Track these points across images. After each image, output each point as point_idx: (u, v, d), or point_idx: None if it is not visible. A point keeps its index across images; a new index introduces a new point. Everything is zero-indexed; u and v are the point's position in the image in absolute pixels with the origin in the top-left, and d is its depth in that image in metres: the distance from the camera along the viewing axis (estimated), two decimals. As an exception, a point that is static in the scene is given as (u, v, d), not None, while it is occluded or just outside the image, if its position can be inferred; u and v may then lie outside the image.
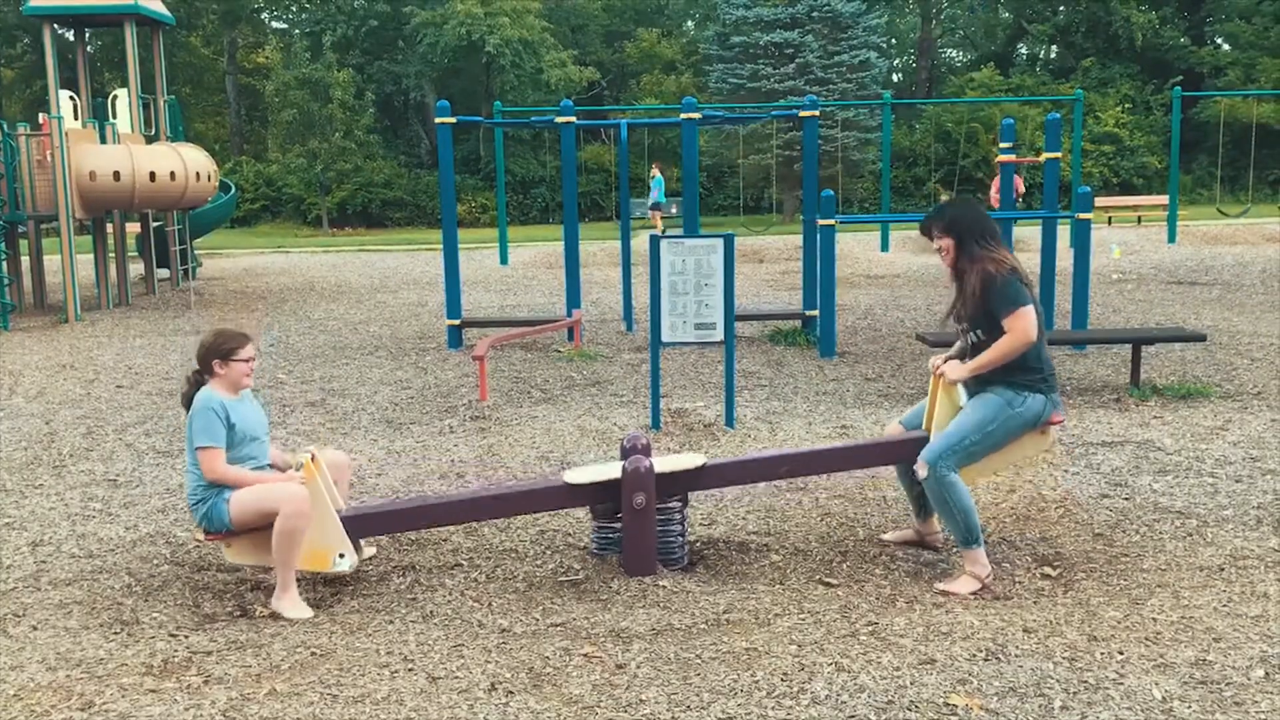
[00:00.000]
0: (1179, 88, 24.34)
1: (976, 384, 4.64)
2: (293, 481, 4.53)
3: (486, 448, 6.98)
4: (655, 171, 28.41)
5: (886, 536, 5.11)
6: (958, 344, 4.88)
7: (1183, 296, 13.90)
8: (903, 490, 5.21)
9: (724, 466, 4.99)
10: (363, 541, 5.01)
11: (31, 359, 11.01)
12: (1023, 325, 4.51)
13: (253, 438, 4.63)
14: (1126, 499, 5.63)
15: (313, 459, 4.62)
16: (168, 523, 5.58)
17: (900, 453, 4.89)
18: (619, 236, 13.90)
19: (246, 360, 4.64)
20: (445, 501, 4.95)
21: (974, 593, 4.46)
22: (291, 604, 4.42)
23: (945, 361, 4.78)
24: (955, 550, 4.75)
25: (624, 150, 13.06)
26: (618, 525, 4.79)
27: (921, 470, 4.54)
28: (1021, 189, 22.42)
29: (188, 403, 4.64)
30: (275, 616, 4.36)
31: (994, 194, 22.64)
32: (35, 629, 4.26)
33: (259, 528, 4.50)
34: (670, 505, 4.79)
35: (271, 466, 4.77)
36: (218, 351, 4.62)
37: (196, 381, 4.68)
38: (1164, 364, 9.23)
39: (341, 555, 4.59)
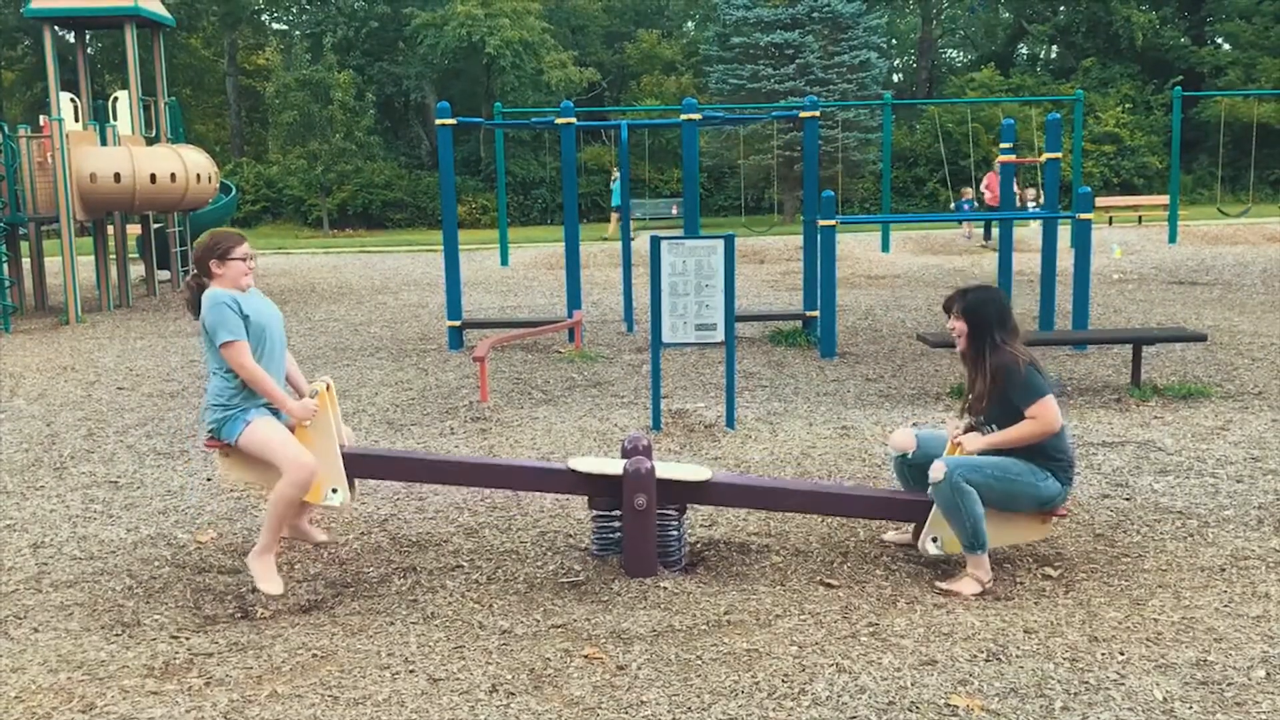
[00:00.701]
0: (1179, 88, 24.34)
1: (999, 455, 4.63)
2: (306, 410, 4.61)
3: (487, 449, 6.98)
4: (616, 174, 28.55)
5: (887, 537, 5.11)
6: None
7: (1183, 296, 13.90)
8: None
9: (729, 487, 4.93)
10: (317, 530, 5.08)
11: (32, 361, 11.01)
12: (1048, 415, 4.54)
13: (269, 330, 4.69)
14: (1127, 499, 5.63)
15: (327, 388, 4.68)
16: (169, 524, 5.58)
17: (906, 513, 4.86)
18: (619, 237, 13.90)
19: (243, 259, 4.67)
20: (447, 461, 4.98)
21: (975, 595, 4.46)
22: (265, 569, 4.50)
23: (965, 433, 4.77)
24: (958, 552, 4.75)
25: (624, 151, 13.06)
26: (617, 522, 4.80)
27: (938, 473, 4.51)
28: (1029, 195, 22.44)
29: (196, 308, 4.68)
30: (282, 600, 4.38)
31: (985, 191, 22.66)
32: (36, 631, 4.26)
33: (254, 459, 4.56)
34: (669, 507, 4.79)
35: (286, 380, 4.81)
36: (214, 251, 4.66)
37: (198, 285, 4.71)
38: (1165, 364, 9.23)
39: (335, 490, 4.65)
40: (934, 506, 4.64)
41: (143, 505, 5.94)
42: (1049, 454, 4.61)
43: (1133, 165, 37.69)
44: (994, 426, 4.67)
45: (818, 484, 4.93)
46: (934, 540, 4.64)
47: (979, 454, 4.62)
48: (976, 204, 24.02)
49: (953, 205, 27.64)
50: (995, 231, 21.85)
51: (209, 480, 6.39)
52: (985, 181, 22.92)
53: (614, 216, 27.80)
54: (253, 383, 4.56)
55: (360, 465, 4.85)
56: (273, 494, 4.50)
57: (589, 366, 9.86)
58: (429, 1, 39.22)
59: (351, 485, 4.80)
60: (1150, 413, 7.57)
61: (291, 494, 4.49)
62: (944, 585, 4.52)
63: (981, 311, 4.68)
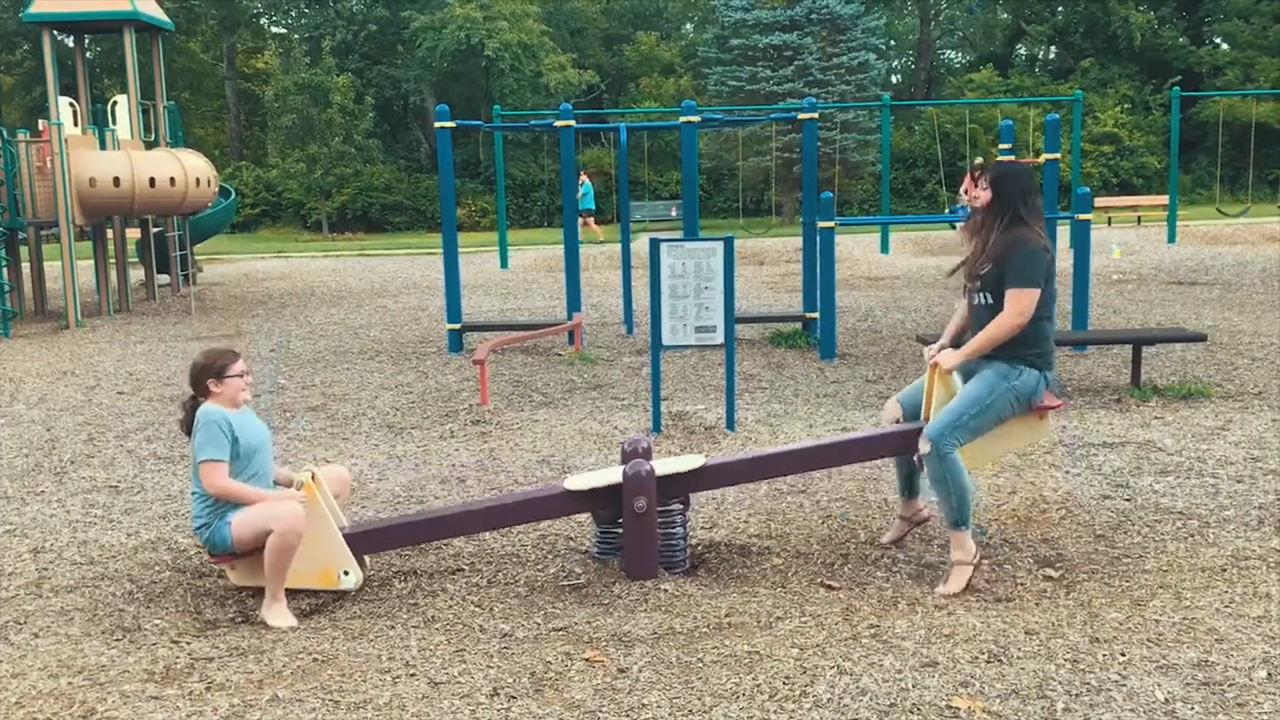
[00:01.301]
0: (1178, 88, 24.37)
1: (974, 362, 4.65)
2: (291, 500, 4.54)
3: (487, 452, 6.98)
4: (584, 178, 28.79)
5: (885, 539, 5.11)
6: (950, 327, 4.90)
7: (1183, 296, 13.90)
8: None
9: (724, 466, 4.97)
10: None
11: (32, 365, 11.01)
12: (1023, 304, 4.51)
13: (256, 450, 4.64)
14: (1128, 500, 5.63)
15: (313, 478, 4.64)
16: (169, 529, 5.58)
17: (901, 444, 4.87)
18: (619, 239, 13.91)
19: (240, 375, 4.65)
20: (446, 515, 4.94)
21: (969, 582, 4.47)
22: (279, 614, 4.44)
23: (939, 350, 4.78)
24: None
25: (623, 153, 13.06)
26: (619, 530, 4.79)
27: (924, 445, 4.54)
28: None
29: (188, 427, 4.64)
30: (264, 625, 4.37)
31: (964, 193, 22.63)
32: (37, 636, 4.25)
33: (261, 549, 4.52)
34: (671, 509, 4.79)
35: (276, 484, 4.78)
36: (210, 371, 4.63)
37: (194, 405, 4.68)
38: (1164, 364, 9.23)
39: (346, 572, 4.62)
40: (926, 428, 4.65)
41: (143, 510, 5.94)
42: (1025, 340, 4.56)
43: (1132, 165, 37.72)
44: (987, 295, 4.63)
45: (812, 442, 4.96)
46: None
47: (954, 368, 4.64)
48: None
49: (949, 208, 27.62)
50: None
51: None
52: (964, 184, 22.91)
53: (582, 220, 27.97)
54: (227, 498, 4.51)
55: (364, 542, 4.80)
56: (267, 547, 4.43)
57: (589, 369, 9.86)
58: (428, 4, 39.26)
59: (361, 563, 4.76)
60: (1150, 413, 7.57)
61: (284, 543, 4.43)
62: (941, 590, 4.50)
63: (1009, 184, 4.64)
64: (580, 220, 28.04)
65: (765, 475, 5.18)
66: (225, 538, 4.52)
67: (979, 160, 22.56)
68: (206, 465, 4.48)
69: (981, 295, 4.67)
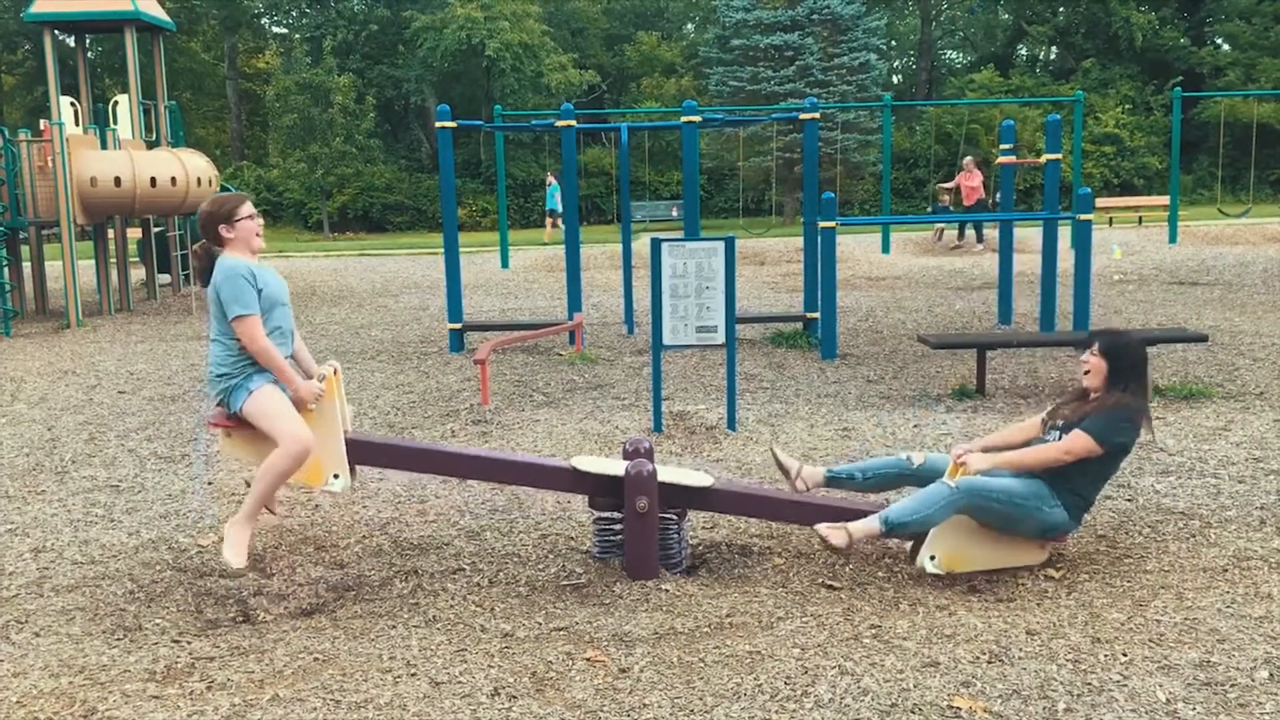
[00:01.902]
0: (1179, 88, 24.35)
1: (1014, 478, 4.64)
2: (311, 392, 4.59)
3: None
4: (550, 179, 28.98)
5: (799, 482, 5.02)
6: (993, 437, 4.93)
7: (1184, 297, 13.90)
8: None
9: (730, 495, 4.93)
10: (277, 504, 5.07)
11: (33, 365, 11.01)
12: (1078, 447, 4.54)
13: (280, 303, 4.64)
14: (1129, 500, 5.62)
15: (335, 373, 4.67)
16: (170, 528, 5.58)
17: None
18: (620, 239, 13.90)
19: (250, 218, 4.63)
20: (446, 452, 4.98)
21: (837, 545, 4.52)
22: (241, 538, 4.48)
23: (967, 452, 4.76)
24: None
25: (625, 153, 13.06)
26: (617, 524, 4.79)
27: (952, 483, 4.52)
28: (981, 194, 22.52)
29: (206, 276, 4.61)
30: (283, 604, 4.37)
31: (961, 186, 22.62)
32: (38, 635, 4.25)
33: (258, 433, 4.55)
34: (669, 512, 4.78)
35: (293, 358, 4.80)
36: (220, 215, 4.60)
37: (209, 253, 4.64)
38: (1166, 365, 9.22)
39: (336, 476, 4.64)
40: (932, 529, 4.64)
41: (144, 509, 5.94)
42: (1071, 487, 4.60)
43: (1133, 166, 37.71)
44: (1060, 435, 4.67)
45: (817, 498, 4.93)
46: (931, 558, 4.62)
47: (981, 473, 4.59)
48: (951, 205, 24.01)
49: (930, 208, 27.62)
50: (969, 231, 21.88)
51: (210, 484, 6.39)
52: (955, 181, 22.90)
53: (549, 221, 28.19)
54: (262, 359, 4.52)
55: (362, 452, 4.84)
56: (265, 463, 4.44)
57: (590, 369, 9.86)
58: (429, 4, 39.27)
59: (352, 471, 4.79)
60: (1152, 413, 7.55)
61: (285, 466, 4.44)
62: (824, 530, 4.56)
63: (1125, 357, 4.68)
64: (549, 221, 28.39)
65: (766, 516, 5.08)
66: (240, 400, 4.51)
67: (968, 159, 22.60)
68: (243, 321, 4.45)
69: (1055, 433, 4.71)
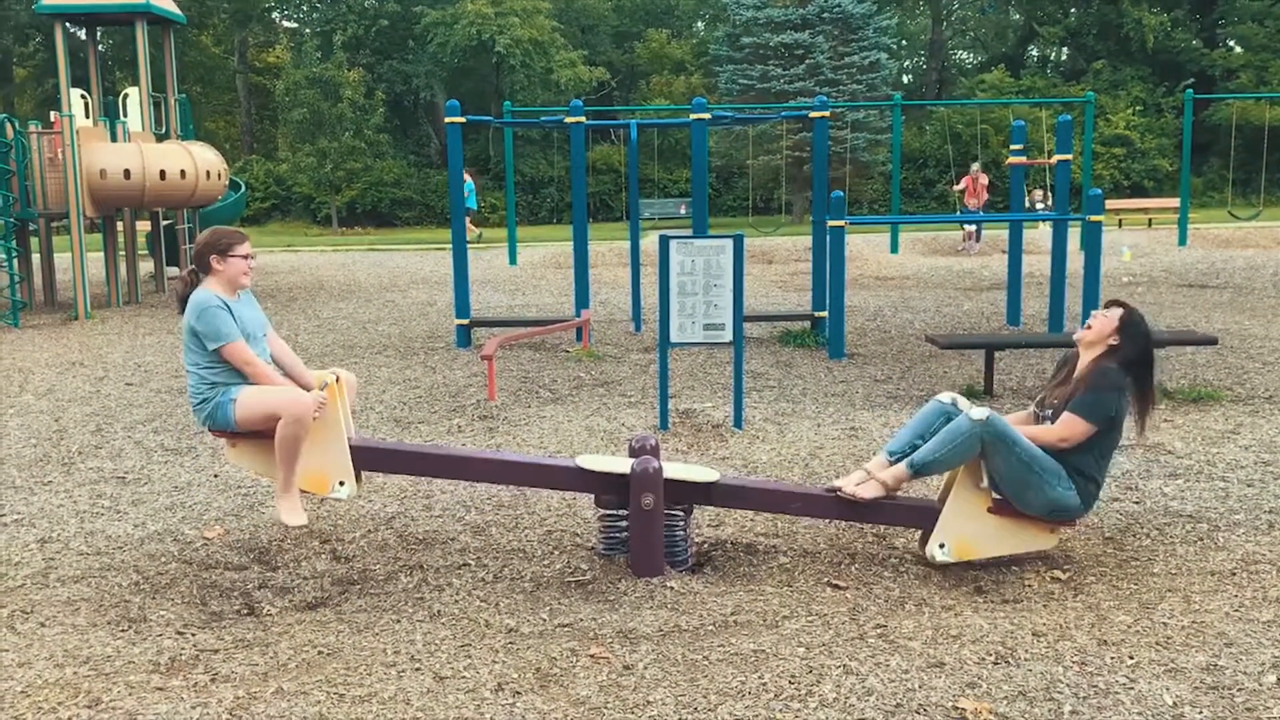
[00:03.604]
0: (1191, 90, 24.26)
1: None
2: (314, 403, 4.59)
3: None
4: (466, 177, 29.20)
5: (840, 482, 4.90)
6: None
7: (1194, 300, 13.85)
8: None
9: (735, 489, 4.92)
10: None
11: (41, 356, 11.03)
12: (1073, 434, 4.53)
13: (250, 337, 4.65)
14: (1137, 503, 5.60)
15: (337, 380, 4.67)
16: (176, 520, 5.58)
17: (912, 518, 4.84)
18: (628, 237, 13.89)
19: (244, 257, 4.65)
20: (452, 455, 4.98)
21: (870, 495, 4.60)
22: (290, 507, 4.50)
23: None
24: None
25: (634, 151, 13.04)
26: (623, 522, 4.79)
27: (979, 414, 4.51)
28: (985, 196, 22.46)
29: (183, 303, 4.64)
30: (289, 597, 4.37)
31: (962, 189, 22.58)
32: (43, 626, 4.26)
33: (263, 432, 4.54)
34: (675, 509, 4.77)
35: (277, 365, 4.82)
36: (215, 247, 4.63)
37: (193, 280, 4.67)
38: (1175, 367, 9.19)
39: (341, 483, 4.64)
40: (943, 513, 4.63)
41: (150, 501, 5.94)
42: (1079, 469, 4.58)
43: (1143, 168, 37.60)
44: (1049, 422, 4.66)
45: (823, 489, 4.91)
46: (941, 546, 4.62)
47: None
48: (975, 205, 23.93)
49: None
50: (968, 228, 21.85)
51: (216, 476, 6.39)
52: (962, 183, 22.84)
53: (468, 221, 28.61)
54: (257, 379, 4.55)
55: (367, 458, 4.84)
56: (276, 438, 4.49)
57: (596, 366, 9.85)
58: (439, 0, 39.27)
59: (358, 478, 4.79)
60: (1160, 416, 7.53)
61: (294, 431, 4.48)
62: (842, 484, 4.65)
63: (1138, 338, 4.67)
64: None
65: (772, 509, 5.07)
66: (229, 415, 4.53)
67: (976, 165, 22.56)
68: (230, 349, 4.50)
69: (1047, 422, 4.70)
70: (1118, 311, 4.73)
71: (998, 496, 4.63)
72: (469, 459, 4.99)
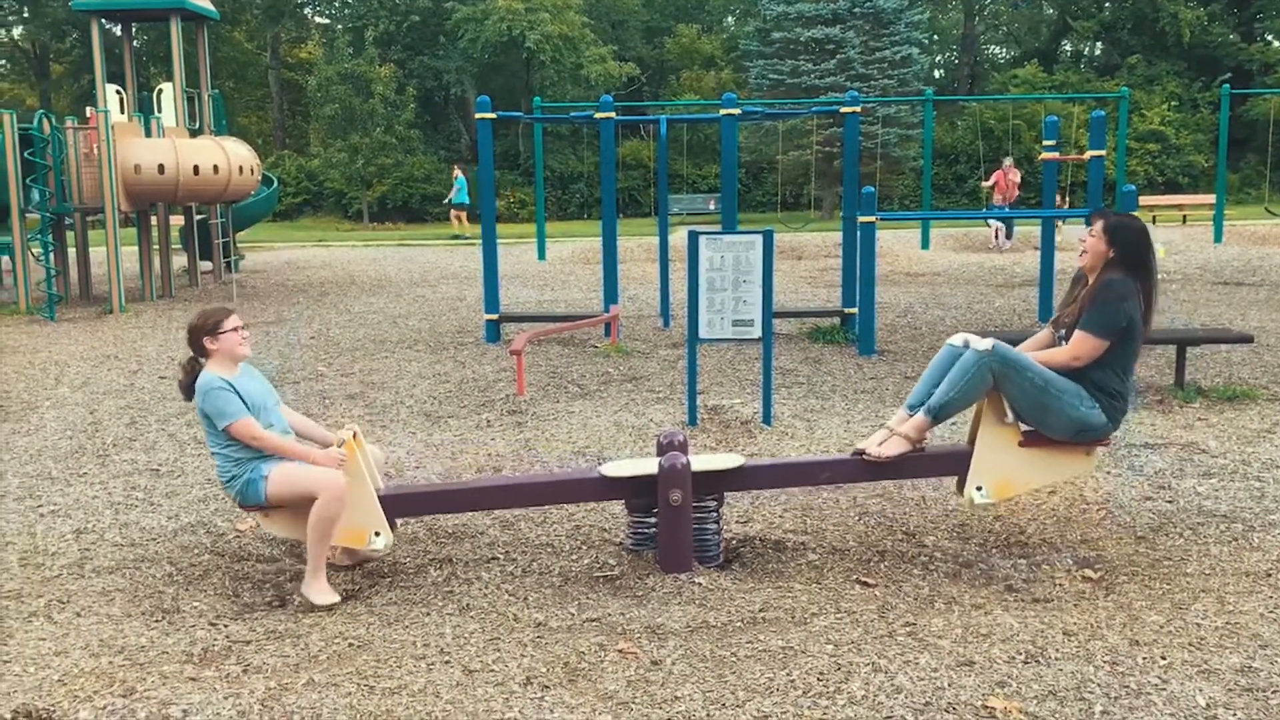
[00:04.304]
0: (1227, 85, 23.96)
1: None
2: (333, 461, 4.55)
3: (523, 442, 7.00)
4: (456, 171, 29.41)
5: (872, 446, 4.82)
6: (1023, 345, 4.82)
7: (1229, 297, 13.69)
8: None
9: (762, 469, 4.93)
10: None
11: (77, 349, 11.16)
12: (1085, 351, 4.48)
13: (260, 408, 4.65)
14: (1170, 502, 5.55)
15: (355, 436, 4.67)
16: (209, 512, 5.64)
17: (945, 467, 4.82)
18: (657, 232, 13.89)
19: (235, 329, 4.67)
20: (479, 487, 4.99)
21: (895, 452, 4.60)
22: (320, 590, 4.46)
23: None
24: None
25: (663, 146, 13.03)
26: (653, 520, 4.79)
27: (982, 344, 4.48)
28: (1015, 193, 22.24)
29: (189, 393, 4.67)
30: (303, 604, 4.40)
31: (993, 185, 22.37)
32: (79, 616, 4.31)
33: (295, 504, 4.54)
34: (706, 503, 4.77)
35: (296, 434, 4.80)
36: (204, 330, 4.65)
37: (193, 369, 4.70)
38: (1209, 365, 9.09)
39: (377, 534, 4.64)
40: (974, 455, 4.59)
41: (183, 493, 6.00)
42: (1100, 385, 4.51)
43: (1178, 164, 37.17)
44: (1064, 341, 4.61)
45: (849, 457, 4.88)
46: (979, 489, 4.59)
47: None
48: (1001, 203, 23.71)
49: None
50: (995, 225, 21.69)
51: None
52: (993, 179, 22.65)
53: (455, 215, 28.89)
54: (270, 450, 4.53)
55: (398, 506, 4.83)
56: (311, 518, 4.43)
57: (625, 361, 9.86)
58: (470, -4, 39.38)
59: (392, 526, 4.78)
60: (1194, 414, 7.45)
61: (330, 512, 4.44)
62: (866, 445, 4.67)
63: (1125, 234, 4.58)
64: (453, 215, 29.12)
65: (802, 483, 5.08)
66: (259, 492, 4.51)
67: (1008, 160, 22.36)
68: (237, 427, 4.48)
69: (1063, 341, 4.66)
70: (1100, 223, 4.65)
71: (1026, 428, 4.59)
72: (496, 489, 4.96)
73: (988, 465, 4.59)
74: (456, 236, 27.83)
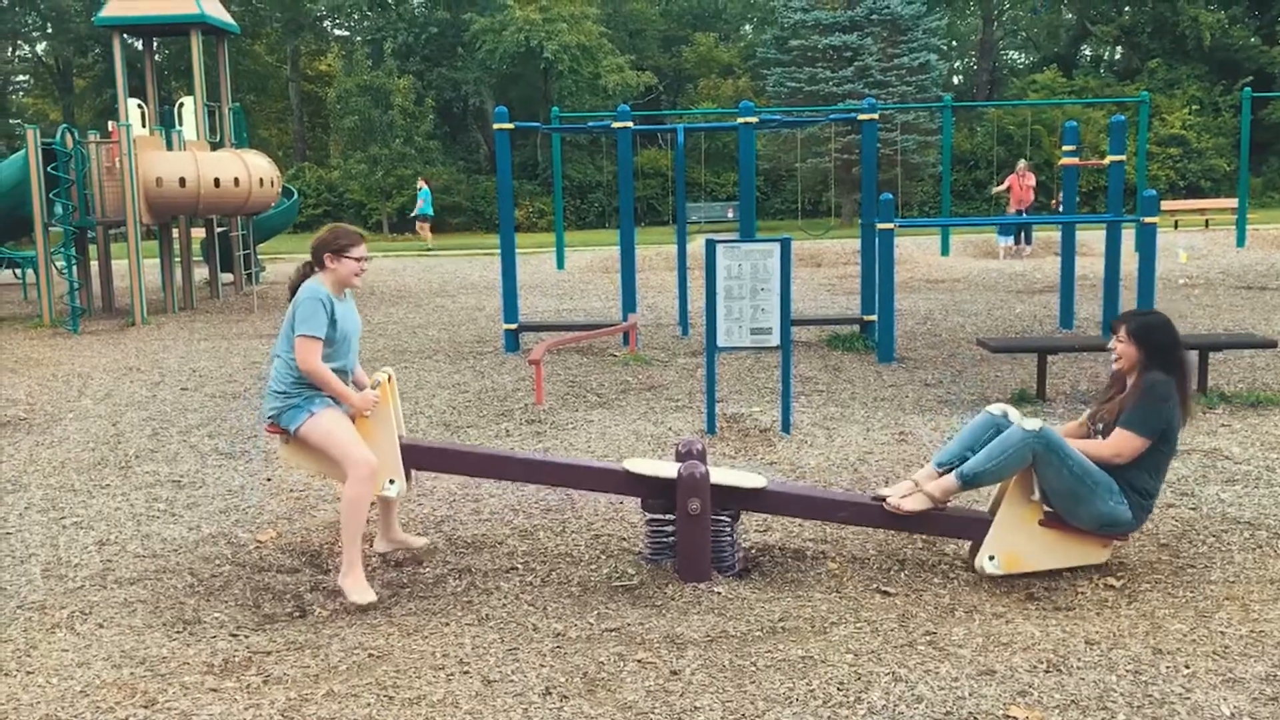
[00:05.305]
0: (1249, 88, 23.80)
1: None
2: (368, 403, 4.65)
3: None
4: (421, 184, 29.53)
5: (889, 494, 4.84)
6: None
7: (1252, 302, 13.58)
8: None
9: (783, 496, 4.89)
10: (414, 536, 5.11)
11: (99, 361, 11.25)
12: (1128, 449, 4.49)
13: (347, 338, 4.74)
14: (1193, 509, 5.50)
15: (389, 379, 4.72)
16: (230, 523, 5.67)
17: (962, 530, 4.79)
18: (675, 240, 13.89)
19: (357, 259, 4.73)
20: (499, 455, 5.03)
21: (917, 509, 4.63)
22: (356, 585, 4.52)
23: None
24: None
25: (681, 155, 13.04)
26: (670, 525, 4.78)
27: (1032, 424, 4.48)
28: (1031, 198, 22.12)
29: (294, 290, 4.75)
30: (341, 599, 4.42)
31: (1006, 190, 22.24)
32: (101, 627, 4.34)
33: (314, 450, 4.62)
34: (721, 515, 4.76)
35: (352, 381, 4.88)
36: (331, 245, 4.72)
37: (305, 273, 4.79)
38: (1232, 371, 9.02)
39: (392, 481, 4.70)
40: (993, 526, 4.58)
41: (205, 504, 6.03)
42: (1132, 483, 4.53)
43: (1199, 168, 36.96)
44: (1101, 437, 4.63)
45: (871, 498, 4.88)
46: (991, 558, 4.57)
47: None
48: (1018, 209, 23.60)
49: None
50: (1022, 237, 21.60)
51: (269, 480, 6.48)
52: (1006, 183, 22.53)
53: (421, 227, 29.13)
54: (312, 377, 4.61)
55: (417, 457, 4.90)
56: (343, 502, 4.53)
57: (644, 370, 9.86)
58: (487, 7, 39.54)
59: (408, 476, 4.84)
60: (1217, 420, 7.40)
61: (360, 493, 4.50)
62: (888, 493, 4.69)
63: (1155, 335, 4.60)
64: (419, 227, 29.37)
65: (820, 517, 5.03)
66: (297, 421, 4.60)
67: (1023, 163, 22.25)
68: (304, 340, 4.55)
69: (1099, 437, 4.66)
70: (1123, 329, 4.66)
71: (1049, 509, 4.58)
72: (515, 459, 5.03)
73: (1005, 538, 4.57)
74: (429, 250, 27.87)
